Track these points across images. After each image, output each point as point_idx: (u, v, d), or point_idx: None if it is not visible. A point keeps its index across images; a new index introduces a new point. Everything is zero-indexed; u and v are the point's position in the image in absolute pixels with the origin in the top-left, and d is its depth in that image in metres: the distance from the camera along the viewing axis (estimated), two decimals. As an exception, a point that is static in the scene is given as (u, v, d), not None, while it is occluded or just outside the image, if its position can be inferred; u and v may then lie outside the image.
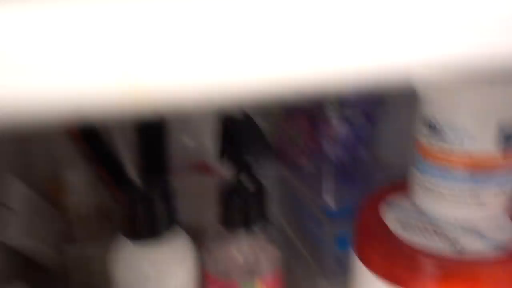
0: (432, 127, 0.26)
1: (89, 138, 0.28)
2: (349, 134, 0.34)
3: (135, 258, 0.28)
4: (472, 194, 0.25)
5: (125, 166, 0.27)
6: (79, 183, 0.31)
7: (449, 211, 0.26)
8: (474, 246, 0.24)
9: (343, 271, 0.31)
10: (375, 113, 0.34)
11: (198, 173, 0.36)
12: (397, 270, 0.24)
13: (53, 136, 0.33)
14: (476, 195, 0.25)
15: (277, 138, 0.43)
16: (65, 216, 0.33)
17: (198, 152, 0.36)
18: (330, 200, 0.34)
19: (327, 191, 0.35)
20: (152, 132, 0.29)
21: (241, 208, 0.29)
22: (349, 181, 0.35)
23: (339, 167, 0.37)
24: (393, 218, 0.27)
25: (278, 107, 0.40)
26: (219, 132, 0.30)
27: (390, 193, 0.30)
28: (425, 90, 0.26)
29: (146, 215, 0.28)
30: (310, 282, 0.39)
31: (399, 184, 0.30)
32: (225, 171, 0.29)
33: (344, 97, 0.32)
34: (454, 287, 0.22)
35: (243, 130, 0.29)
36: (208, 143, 0.35)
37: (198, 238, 0.30)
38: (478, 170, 0.25)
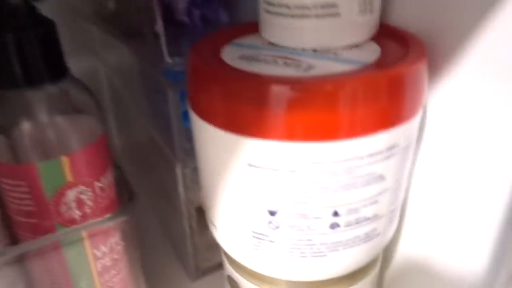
0: None
1: None
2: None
3: None
4: (325, 3, 0.19)
5: None
6: None
7: (303, 36, 0.20)
8: (331, 68, 0.18)
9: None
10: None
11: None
12: (239, 109, 0.18)
13: None
14: (330, 4, 0.19)
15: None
16: None
17: None
18: (169, 57, 0.27)
19: (175, 53, 0.28)
20: None
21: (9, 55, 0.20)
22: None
23: (192, 26, 0.31)
24: (235, 55, 0.20)
25: None
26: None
27: (234, 34, 0.23)
28: None
29: None
30: (164, 165, 0.33)
31: (247, 26, 0.23)
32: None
33: None
34: (309, 109, 0.17)
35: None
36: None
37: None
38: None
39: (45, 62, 0.21)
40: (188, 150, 0.30)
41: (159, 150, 0.33)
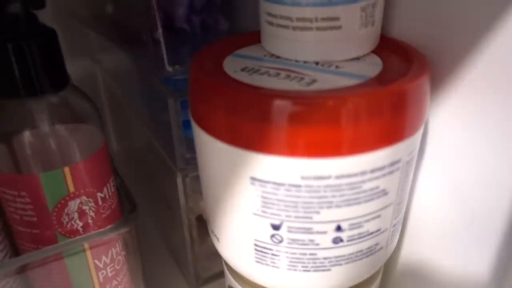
0: None
1: None
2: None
3: None
4: (321, 11, 0.19)
5: None
6: None
7: (304, 49, 0.20)
8: (333, 82, 0.18)
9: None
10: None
11: None
12: (242, 124, 0.18)
13: None
14: (333, 18, 0.19)
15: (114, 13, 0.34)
16: None
17: None
18: (169, 66, 0.27)
19: (173, 60, 0.28)
20: None
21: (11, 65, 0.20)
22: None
23: (191, 33, 0.31)
24: (237, 67, 0.20)
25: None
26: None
27: (236, 45, 0.23)
28: None
29: None
30: (164, 173, 0.33)
31: (248, 36, 0.23)
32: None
33: None
34: (312, 124, 0.17)
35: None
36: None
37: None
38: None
39: (46, 71, 0.21)
40: (188, 159, 0.30)
41: (159, 157, 0.33)
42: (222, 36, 0.32)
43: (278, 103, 0.17)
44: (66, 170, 0.21)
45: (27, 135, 0.21)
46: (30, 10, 0.20)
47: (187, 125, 0.30)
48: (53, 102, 0.21)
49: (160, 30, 0.28)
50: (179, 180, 0.30)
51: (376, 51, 0.21)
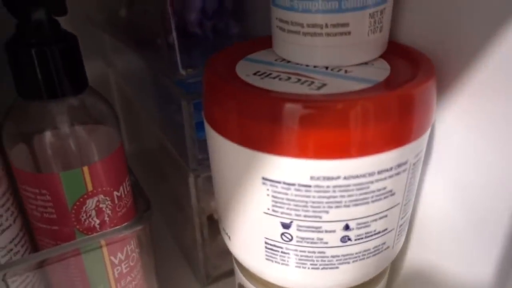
0: None
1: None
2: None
3: None
4: (331, 18, 0.20)
5: None
6: None
7: (315, 53, 0.21)
8: (342, 86, 0.19)
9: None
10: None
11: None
12: (254, 126, 0.18)
13: None
14: (342, 24, 0.20)
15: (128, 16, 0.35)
16: None
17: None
18: (182, 69, 0.28)
19: (186, 64, 0.29)
20: None
21: (34, 69, 0.21)
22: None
23: (201, 37, 0.31)
24: (249, 71, 0.21)
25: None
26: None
27: (248, 49, 0.24)
28: None
29: None
30: (176, 174, 0.34)
31: (260, 41, 0.24)
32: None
33: None
34: (322, 127, 0.17)
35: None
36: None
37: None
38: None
39: (67, 75, 0.22)
40: (200, 160, 0.31)
41: (171, 158, 0.34)
42: (233, 40, 0.33)
43: (289, 106, 0.18)
44: (85, 169, 0.22)
45: (48, 135, 0.22)
46: (53, 16, 0.21)
47: (199, 127, 0.30)
48: (73, 104, 0.22)
49: (174, 35, 0.28)
50: (191, 180, 0.30)
51: (384, 56, 0.22)
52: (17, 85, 0.22)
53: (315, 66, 0.21)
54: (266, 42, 0.24)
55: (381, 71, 0.20)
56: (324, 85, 0.19)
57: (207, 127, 0.22)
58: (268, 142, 0.18)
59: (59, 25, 0.22)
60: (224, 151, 0.21)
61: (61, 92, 0.22)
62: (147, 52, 0.35)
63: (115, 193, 0.24)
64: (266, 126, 0.18)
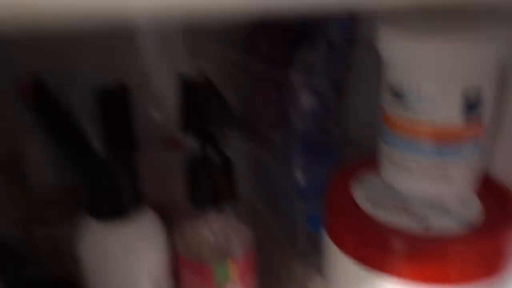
0: (397, 95, 0.25)
1: (44, 104, 0.26)
2: (316, 104, 0.33)
3: (101, 238, 0.27)
4: (438, 166, 0.25)
5: (87, 138, 0.26)
6: (39, 159, 0.30)
7: (417, 187, 0.26)
8: (442, 223, 0.24)
9: (317, 251, 0.31)
10: (343, 83, 0.33)
11: (166, 148, 0.35)
12: (367, 250, 0.24)
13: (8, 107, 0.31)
14: (442, 168, 0.25)
15: (245, 109, 0.41)
16: (28, 196, 0.32)
17: (165, 126, 0.34)
18: (299, 176, 0.34)
19: (295, 166, 0.34)
20: (114, 102, 0.28)
21: (208, 183, 0.28)
22: (318, 155, 0.34)
23: (307, 140, 0.35)
24: (363, 195, 0.27)
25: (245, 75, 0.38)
26: (180, 100, 0.28)
27: (360, 169, 0.30)
28: (389, 55, 0.25)
29: (110, 191, 0.26)
30: (283, 262, 0.39)
31: (369, 160, 0.30)
32: (190, 144, 0.28)
33: (311, 64, 0.31)
34: (423, 265, 0.22)
35: (204, 96, 0.27)
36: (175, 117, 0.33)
37: (166, 217, 0.29)
38: (443, 141, 0.24)
39: (221, 191, 0.29)
40: (307, 251, 0.35)
41: (276, 242, 0.39)
42: (332, 141, 0.36)
43: (398, 241, 0.23)
44: (231, 261, 0.29)
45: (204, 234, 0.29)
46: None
47: (311, 222, 0.35)
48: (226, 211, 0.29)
49: (297, 147, 0.33)
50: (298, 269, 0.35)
51: (478, 192, 0.26)
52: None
53: (418, 199, 0.26)
54: (373, 164, 0.29)
55: (475, 211, 0.25)
56: (425, 219, 0.24)
57: (326, 238, 0.27)
58: (378, 264, 0.23)
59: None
60: (339, 262, 0.26)
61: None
62: (264, 149, 0.39)
63: (249, 283, 0.30)
64: (378, 251, 0.23)
